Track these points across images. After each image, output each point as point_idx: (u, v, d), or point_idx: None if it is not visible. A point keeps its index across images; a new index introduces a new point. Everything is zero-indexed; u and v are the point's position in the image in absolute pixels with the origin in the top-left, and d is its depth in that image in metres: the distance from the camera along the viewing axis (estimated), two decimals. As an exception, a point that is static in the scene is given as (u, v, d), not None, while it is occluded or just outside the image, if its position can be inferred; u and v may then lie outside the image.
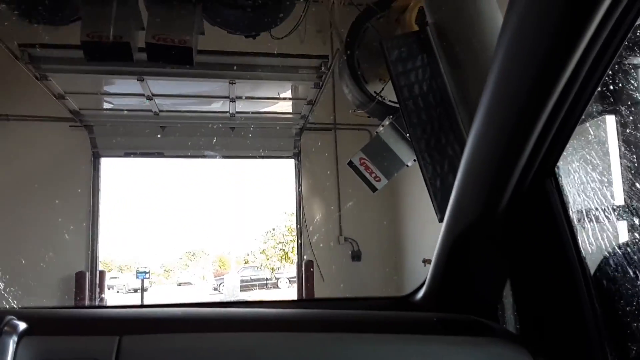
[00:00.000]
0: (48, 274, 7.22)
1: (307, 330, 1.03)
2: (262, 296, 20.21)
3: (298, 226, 8.60)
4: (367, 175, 3.93)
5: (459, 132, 2.15)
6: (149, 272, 17.87)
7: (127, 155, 8.50)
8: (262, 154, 8.51)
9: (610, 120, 1.46)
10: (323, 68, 6.18)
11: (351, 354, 0.95)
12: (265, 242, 24.06)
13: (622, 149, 1.39)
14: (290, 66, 6.30)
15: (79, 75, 6.18)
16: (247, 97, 7.20)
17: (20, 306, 1.51)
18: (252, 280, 22.37)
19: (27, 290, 5.55)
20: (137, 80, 6.17)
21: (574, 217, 1.01)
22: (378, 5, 3.97)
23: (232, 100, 7.07)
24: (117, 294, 22.22)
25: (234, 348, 0.94)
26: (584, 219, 1.06)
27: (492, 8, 2.02)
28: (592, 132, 1.23)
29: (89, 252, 7.83)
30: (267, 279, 22.82)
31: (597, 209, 1.07)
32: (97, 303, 7.88)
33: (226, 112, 7.53)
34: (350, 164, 3.98)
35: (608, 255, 1.03)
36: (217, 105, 7.63)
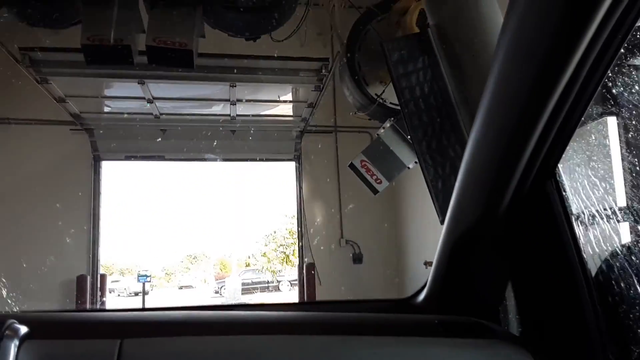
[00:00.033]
0: (49, 277, 7.19)
1: (308, 333, 1.03)
2: (263, 299, 20.16)
3: (299, 229, 8.59)
4: (368, 177, 3.93)
5: (460, 134, 2.15)
6: (150, 276, 17.89)
7: (127, 158, 8.52)
8: (263, 156, 8.51)
9: (611, 121, 1.46)
10: (324, 71, 6.19)
11: (353, 356, 0.95)
12: (266, 245, 24.05)
13: (623, 150, 1.39)
14: (290, 69, 6.31)
15: (80, 79, 6.20)
16: (247, 100, 7.21)
17: (21, 310, 1.51)
18: (253, 283, 22.37)
19: (28, 294, 5.55)
20: (138, 83, 6.18)
21: (574, 218, 1.00)
22: (379, 8, 3.98)
23: (233, 103, 7.07)
24: (119, 298, 22.19)
25: (235, 351, 0.94)
26: (584, 221, 1.05)
27: (492, 10, 2.02)
28: (592, 134, 1.22)
29: (90, 255, 7.82)
30: (268, 282, 22.81)
31: (597, 210, 1.07)
32: (98, 307, 7.87)
33: (227, 115, 7.52)
34: (351, 166, 3.97)
35: (609, 256, 1.03)
36: (217, 108, 7.63)
